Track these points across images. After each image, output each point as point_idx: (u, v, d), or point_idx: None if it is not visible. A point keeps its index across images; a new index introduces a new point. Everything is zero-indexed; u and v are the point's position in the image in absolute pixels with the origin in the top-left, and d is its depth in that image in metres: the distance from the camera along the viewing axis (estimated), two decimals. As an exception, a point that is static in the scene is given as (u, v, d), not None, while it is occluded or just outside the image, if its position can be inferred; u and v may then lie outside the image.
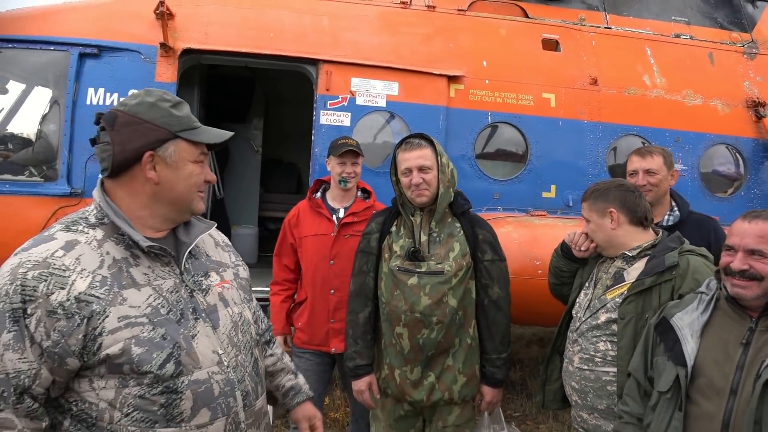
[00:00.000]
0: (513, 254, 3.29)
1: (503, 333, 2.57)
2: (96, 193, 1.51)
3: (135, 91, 3.85)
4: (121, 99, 1.80)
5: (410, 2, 4.82)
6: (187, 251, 1.57)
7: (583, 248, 2.45)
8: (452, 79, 4.54)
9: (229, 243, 1.86)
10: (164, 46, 4.06)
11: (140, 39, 4.16)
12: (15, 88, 4.20)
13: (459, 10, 4.91)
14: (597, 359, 2.24)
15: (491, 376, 2.55)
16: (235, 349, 1.56)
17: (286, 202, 6.52)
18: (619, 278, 2.28)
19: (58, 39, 4.07)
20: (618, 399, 2.14)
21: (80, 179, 4.00)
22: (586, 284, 2.43)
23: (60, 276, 1.34)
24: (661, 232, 2.38)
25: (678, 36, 5.36)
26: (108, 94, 4.06)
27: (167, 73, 4.11)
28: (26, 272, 1.32)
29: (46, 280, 1.32)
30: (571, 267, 2.57)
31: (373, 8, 4.77)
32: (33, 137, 4.15)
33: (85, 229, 1.45)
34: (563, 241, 2.58)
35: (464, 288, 2.49)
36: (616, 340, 2.19)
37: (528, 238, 4.02)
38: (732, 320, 1.76)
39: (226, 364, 1.52)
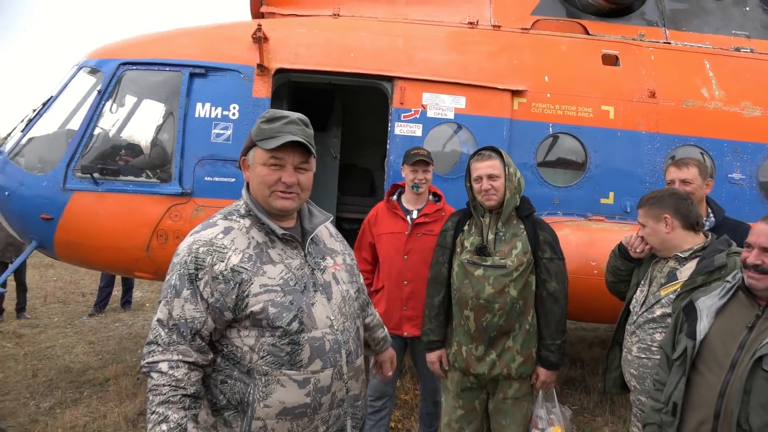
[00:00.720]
0: (571, 255, 3.62)
1: (558, 322, 2.95)
2: (244, 191, 1.94)
3: (237, 105, 4.47)
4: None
5: (477, 22, 5.24)
6: (310, 237, 1.93)
7: (639, 250, 2.78)
8: (516, 93, 4.92)
9: (339, 234, 2.19)
10: (260, 67, 4.65)
11: (240, 60, 4.77)
12: (136, 104, 4.92)
13: (523, 29, 5.29)
14: (653, 348, 2.55)
15: (546, 359, 2.95)
16: (343, 317, 1.90)
17: (360, 204, 7.04)
18: (672, 277, 2.59)
19: (172, 61, 4.74)
20: None
21: (189, 181, 4.64)
22: (642, 282, 2.74)
23: (221, 252, 1.76)
24: (710, 236, 2.65)
25: (738, 49, 5.53)
26: (213, 108, 4.69)
27: (263, 90, 4.70)
28: (198, 248, 1.76)
29: (211, 255, 1.75)
30: (628, 266, 2.87)
31: (444, 29, 5.22)
32: (150, 145, 4.84)
33: (238, 219, 1.87)
34: (620, 242, 2.91)
35: (525, 281, 2.90)
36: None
37: (585, 241, 4.34)
38: (744, 307, 2.05)
39: (336, 327, 1.86)
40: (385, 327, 2.46)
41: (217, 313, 1.74)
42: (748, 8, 5.77)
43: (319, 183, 6.78)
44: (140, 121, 4.94)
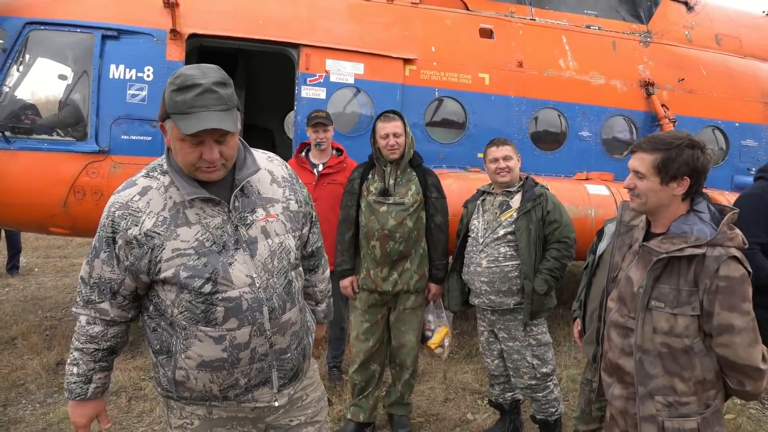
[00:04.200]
0: (453, 200, 4.38)
1: (443, 247, 3.75)
2: (166, 150, 1.84)
3: (151, 67, 4.72)
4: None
5: (371, -4, 5.84)
6: (235, 191, 1.81)
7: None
8: (407, 61, 5.62)
9: (290, 177, 2.05)
10: (174, 32, 4.95)
11: (152, 24, 5.01)
12: (45, 64, 5.01)
13: (413, 3, 5.96)
14: (500, 259, 3.44)
15: (435, 276, 3.75)
16: (267, 274, 1.83)
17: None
18: (505, 206, 3.51)
19: (83, 23, 4.89)
20: (518, 282, 3.39)
21: (106, 139, 4.88)
22: (474, 215, 3.63)
23: (135, 216, 1.74)
24: (527, 176, 3.64)
25: (588, 27, 6.59)
26: (127, 70, 4.94)
27: (176, 53, 5.01)
28: (115, 212, 1.75)
29: (125, 219, 1.74)
30: None
31: (343, 0, 5.76)
32: (63, 104, 4.97)
33: (158, 176, 1.81)
34: None
35: (417, 215, 3.65)
36: (513, 245, 3.41)
37: (465, 188, 5.16)
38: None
39: (257, 285, 1.81)
40: (321, 302, 2.40)
41: (134, 274, 1.78)
42: (597, -9, 6.83)
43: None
44: (51, 82, 5.04)
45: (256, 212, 1.87)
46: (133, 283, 1.81)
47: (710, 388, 2.06)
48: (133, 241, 1.73)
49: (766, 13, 7.99)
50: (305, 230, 2.12)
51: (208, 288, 1.74)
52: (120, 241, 1.74)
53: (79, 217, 4.90)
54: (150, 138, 4.96)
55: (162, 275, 1.74)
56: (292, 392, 2.00)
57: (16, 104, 4.89)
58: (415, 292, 3.71)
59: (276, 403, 1.94)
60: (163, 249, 1.73)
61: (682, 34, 6.96)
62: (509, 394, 3.72)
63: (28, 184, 4.77)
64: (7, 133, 4.72)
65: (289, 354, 1.94)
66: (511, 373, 3.59)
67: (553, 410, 3.55)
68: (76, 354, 1.89)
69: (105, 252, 1.77)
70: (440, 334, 3.83)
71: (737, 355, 1.97)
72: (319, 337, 2.47)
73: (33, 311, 6.61)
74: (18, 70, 4.88)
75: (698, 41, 7.02)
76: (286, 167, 2.09)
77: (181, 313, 1.78)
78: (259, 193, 1.91)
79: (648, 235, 2.21)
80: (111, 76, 4.90)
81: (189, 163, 1.73)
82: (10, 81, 4.86)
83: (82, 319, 1.87)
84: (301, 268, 2.07)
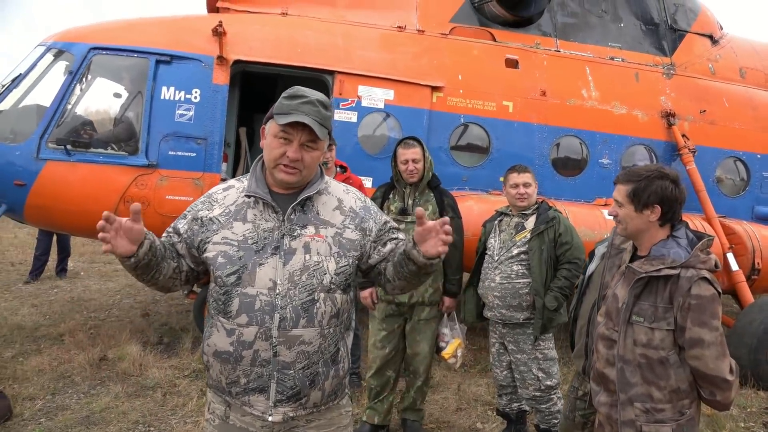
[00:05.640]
0: (474, 221, 4.66)
1: (457, 263, 4.04)
2: (259, 157, 2.06)
3: (198, 89, 5.18)
4: None
5: (405, 27, 6.23)
6: (293, 204, 1.95)
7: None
8: (435, 88, 5.97)
9: (361, 210, 2.09)
10: (220, 58, 5.42)
11: (201, 50, 5.50)
12: (104, 85, 5.54)
13: (442, 33, 6.33)
14: (513, 276, 3.72)
15: (449, 290, 4.03)
16: (290, 284, 1.89)
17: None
18: (520, 227, 3.78)
19: (140, 48, 5.40)
20: (528, 298, 3.65)
21: (155, 154, 5.34)
22: (492, 235, 3.93)
23: (210, 203, 2.01)
24: (541, 201, 3.91)
25: (612, 58, 6.83)
26: (177, 91, 5.41)
27: (221, 77, 5.47)
28: (203, 198, 2.06)
29: (203, 203, 2.03)
30: None
31: (377, 30, 6.17)
32: (119, 121, 5.48)
33: (244, 180, 2.05)
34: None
35: (434, 234, 3.96)
36: (525, 263, 3.69)
37: (485, 210, 5.43)
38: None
39: (276, 291, 1.88)
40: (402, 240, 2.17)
41: (186, 243, 2.01)
42: (622, 24, 7.08)
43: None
44: (109, 101, 5.58)
45: (306, 228, 1.96)
46: (187, 249, 2.01)
47: (684, 398, 2.28)
48: (199, 220, 1.98)
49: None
50: (373, 252, 2.08)
51: (232, 279, 1.89)
52: (189, 216, 2.02)
53: (127, 224, 5.34)
54: (195, 154, 5.41)
55: (205, 255, 1.95)
56: (292, 414, 1.95)
57: (77, 120, 5.42)
58: (429, 305, 3.99)
59: (270, 418, 1.93)
60: (216, 233, 1.94)
61: (706, 66, 7.14)
62: (516, 404, 3.96)
63: (84, 192, 5.26)
64: (69, 147, 5.22)
65: (292, 371, 1.91)
66: (517, 384, 3.83)
67: (556, 422, 3.77)
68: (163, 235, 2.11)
69: (184, 218, 2.04)
70: (453, 345, 4.09)
71: (707, 366, 2.19)
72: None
73: (79, 311, 7.11)
74: (81, 90, 5.41)
75: (722, 74, 7.19)
76: (363, 200, 2.15)
77: (212, 302, 1.97)
78: (317, 213, 2.00)
79: (634, 258, 2.46)
80: (162, 97, 5.37)
81: (274, 157, 1.91)
82: (73, 99, 5.39)
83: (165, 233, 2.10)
84: (338, 295, 1.99)
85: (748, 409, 4.88)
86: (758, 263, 5.80)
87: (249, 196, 1.96)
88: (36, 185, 5.24)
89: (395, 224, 2.19)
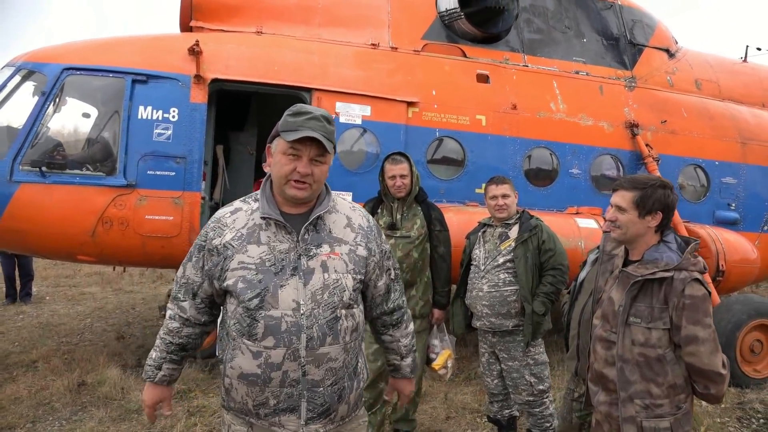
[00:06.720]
0: (454, 232, 4.76)
1: (446, 275, 4.15)
2: (266, 177, 2.08)
3: (176, 108, 5.17)
4: None
5: (378, 44, 6.35)
6: (306, 224, 1.97)
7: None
8: (410, 104, 6.09)
9: (368, 228, 2.16)
10: (198, 77, 5.41)
11: (178, 69, 5.48)
12: (78, 105, 5.46)
13: (415, 50, 6.48)
14: (500, 284, 3.83)
15: (438, 302, 4.13)
16: (314, 304, 1.91)
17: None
18: (504, 237, 3.91)
19: (115, 68, 5.35)
20: (516, 306, 3.77)
21: (134, 174, 5.28)
22: (476, 245, 4.02)
23: (221, 229, 1.99)
24: (522, 211, 4.02)
25: (577, 72, 7.11)
26: (154, 111, 5.38)
27: (199, 96, 5.46)
28: (211, 224, 2.03)
29: (214, 230, 1.99)
30: None
31: (351, 48, 6.27)
32: (95, 142, 5.40)
33: (250, 202, 2.05)
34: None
35: (422, 247, 4.05)
36: (512, 271, 3.80)
37: (464, 221, 5.57)
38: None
39: (301, 312, 1.90)
40: (406, 357, 2.38)
41: (210, 279, 2.00)
42: (585, 40, 7.37)
43: (238, 176, 7.56)
44: (83, 121, 5.48)
45: (321, 247, 1.99)
46: (210, 288, 2.01)
47: (681, 392, 2.42)
48: (214, 250, 1.96)
49: (743, 59, 8.57)
50: (374, 278, 2.16)
51: (255, 303, 1.89)
52: (205, 249, 1.99)
53: (105, 245, 5.27)
54: (174, 173, 5.36)
55: (225, 283, 1.94)
56: (322, 430, 1.99)
57: (51, 142, 5.32)
58: (420, 317, 4.07)
59: None
60: (232, 260, 1.93)
61: (665, 79, 7.50)
62: (507, 411, 4.06)
63: (61, 214, 5.15)
64: (44, 169, 5.12)
65: (321, 389, 1.94)
66: (510, 390, 3.94)
67: (548, 425, 3.89)
68: (157, 341, 2.14)
69: (195, 257, 2.03)
70: (443, 356, 4.18)
71: (702, 361, 2.34)
72: (407, 392, 2.47)
73: (50, 336, 6.91)
74: (54, 110, 5.32)
75: (679, 85, 7.56)
76: (368, 219, 2.21)
77: (234, 324, 1.94)
78: (330, 231, 2.04)
79: (626, 263, 2.60)
80: (139, 117, 5.33)
81: (284, 174, 1.93)
82: (47, 121, 5.29)
83: (168, 312, 2.12)
84: (356, 310, 2.05)
85: (723, 405, 5.11)
86: (722, 265, 6.10)
87: (264, 218, 1.97)
88: (9, 208, 5.10)
89: (390, 250, 2.29)
